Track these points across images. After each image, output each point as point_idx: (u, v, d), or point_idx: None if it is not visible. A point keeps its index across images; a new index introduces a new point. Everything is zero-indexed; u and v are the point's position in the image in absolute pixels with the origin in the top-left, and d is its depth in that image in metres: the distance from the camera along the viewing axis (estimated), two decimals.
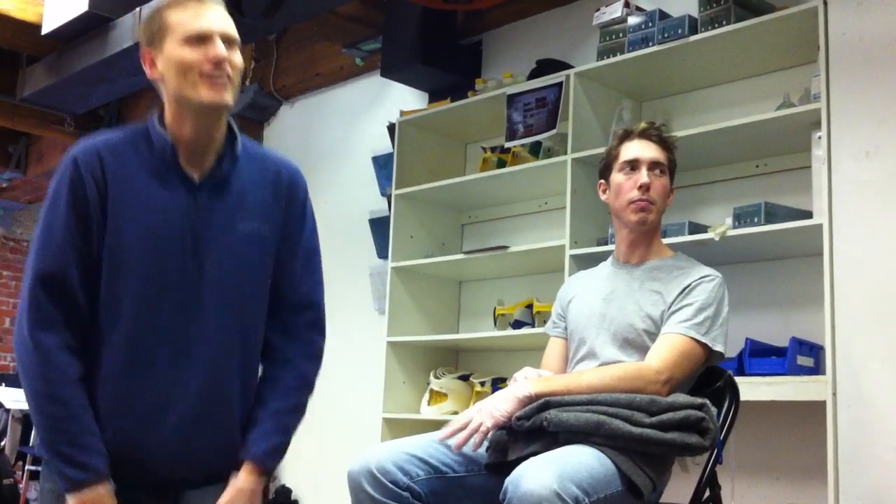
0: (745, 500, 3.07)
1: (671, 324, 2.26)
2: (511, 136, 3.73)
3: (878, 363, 2.76)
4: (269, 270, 1.98)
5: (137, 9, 4.22)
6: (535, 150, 3.84)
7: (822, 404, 2.72)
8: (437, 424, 3.19)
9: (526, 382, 2.16)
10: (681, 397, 2.11)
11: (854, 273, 2.81)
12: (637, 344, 2.29)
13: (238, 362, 1.94)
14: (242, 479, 1.89)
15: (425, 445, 2.18)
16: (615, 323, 2.35)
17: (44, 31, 4.58)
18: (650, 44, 3.31)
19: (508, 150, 3.87)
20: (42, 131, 6.44)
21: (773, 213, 2.95)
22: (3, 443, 5.63)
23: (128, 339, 1.85)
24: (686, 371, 2.23)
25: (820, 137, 2.89)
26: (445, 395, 3.90)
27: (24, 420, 5.65)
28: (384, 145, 4.56)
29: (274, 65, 5.34)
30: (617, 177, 2.41)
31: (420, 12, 4.20)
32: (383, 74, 4.41)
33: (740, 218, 2.99)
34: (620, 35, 3.43)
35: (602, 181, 2.49)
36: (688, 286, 2.30)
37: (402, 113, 4.26)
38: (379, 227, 4.53)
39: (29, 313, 1.80)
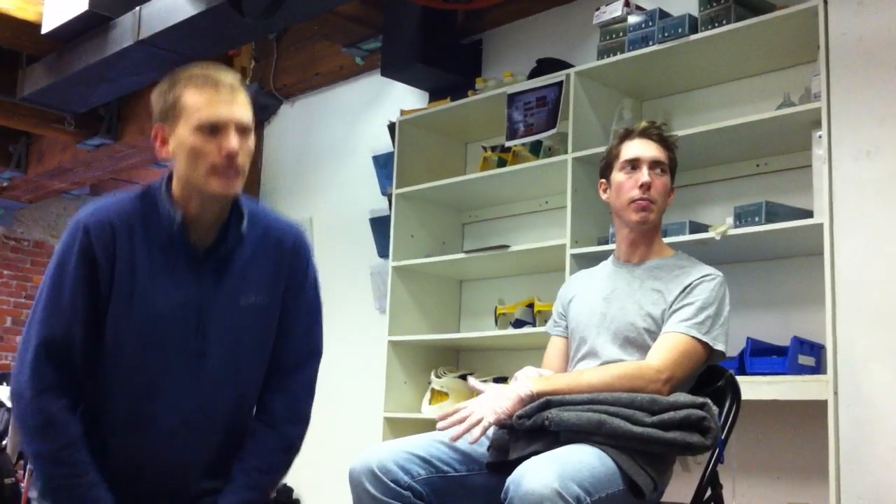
0: (747, 499, 3.07)
1: (672, 323, 2.26)
2: (511, 135, 3.73)
3: (879, 362, 2.76)
4: (270, 338, 2.03)
5: (137, 8, 4.23)
6: (536, 150, 3.84)
7: (824, 404, 2.72)
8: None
9: (527, 381, 2.16)
10: (682, 396, 2.11)
11: (855, 272, 2.81)
12: (638, 343, 2.30)
13: (234, 431, 2.01)
14: None
15: (426, 444, 2.18)
16: (616, 322, 2.35)
17: (44, 30, 4.58)
18: (650, 43, 3.31)
19: (509, 149, 3.87)
20: (42, 130, 6.44)
21: (774, 213, 2.95)
22: (4, 442, 5.62)
23: (129, 408, 1.91)
24: (687, 370, 2.23)
25: (820, 137, 2.89)
26: (446, 394, 3.90)
27: None
28: (385, 144, 4.56)
29: (274, 64, 5.34)
30: (618, 176, 2.41)
31: (420, 12, 4.20)
32: (384, 74, 4.41)
33: (741, 217, 2.99)
34: (620, 34, 3.43)
35: (603, 180, 2.49)
36: (689, 285, 2.30)
37: (403, 112, 4.26)
38: (380, 226, 4.53)
39: (32, 379, 1.83)
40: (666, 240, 2.70)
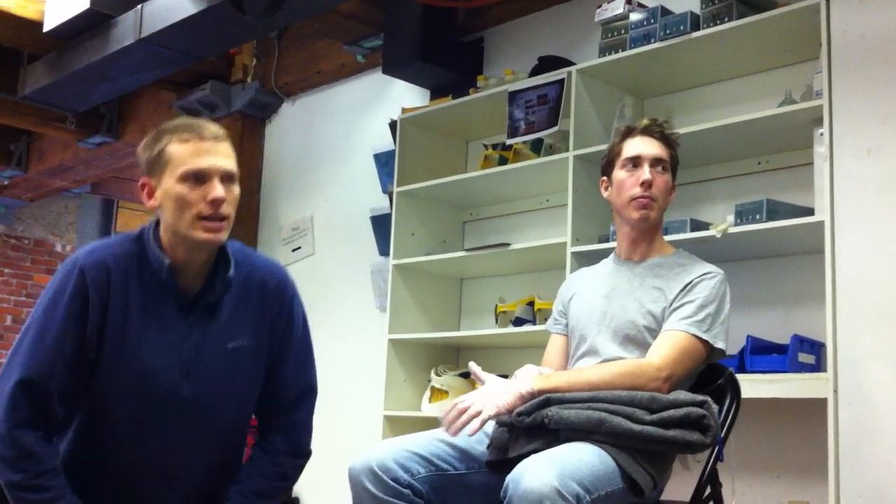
0: (746, 497, 3.07)
1: (672, 321, 2.25)
2: (513, 133, 3.72)
3: (880, 361, 2.75)
4: (259, 380, 2.09)
5: (139, 6, 4.23)
6: (537, 148, 3.83)
7: (824, 402, 2.71)
8: (438, 422, 3.18)
9: (527, 379, 2.16)
10: (682, 394, 2.11)
11: (856, 270, 2.81)
12: (638, 341, 2.29)
13: (223, 473, 2.05)
14: None
15: (426, 443, 2.18)
16: (616, 320, 2.34)
17: (45, 28, 4.59)
18: (652, 40, 3.30)
19: (510, 147, 3.87)
20: (43, 129, 6.44)
21: (775, 211, 2.95)
22: None
23: (117, 448, 1.95)
24: (687, 368, 2.22)
25: (822, 134, 2.88)
26: (446, 392, 3.89)
27: None
28: (386, 143, 4.56)
29: (275, 62, 5.34)
30: (619, 174, 2.41)
31: (421, 9, 4.20)
32: (385, 72, 4.41)
33: (742, 215, 2.99)
34: (622, 32, 3.43)
35: (604, 178, 2.48)
36: (689, 283, 2.30)
37: (404, 110, 4.25)
38: (380, 224, 4.53)
39: (7, 414, 1.85)
40: (667, 238, 2.69)
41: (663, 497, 2.25)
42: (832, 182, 2.85)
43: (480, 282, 4.26)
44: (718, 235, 2.98)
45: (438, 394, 3.90)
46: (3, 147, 7.09)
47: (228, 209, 1.92)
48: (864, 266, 2.80)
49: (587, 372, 2.21)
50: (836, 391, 2.71)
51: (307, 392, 2.17)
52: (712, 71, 3.42)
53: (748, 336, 2.94)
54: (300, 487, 4.82)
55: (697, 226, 3.10)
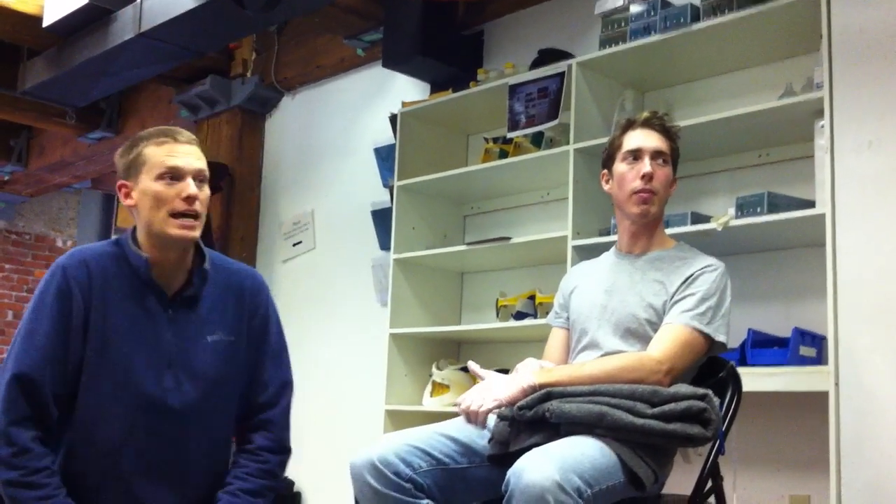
0: (747, 491, 3.07)
1: (673, 314, 2.25)
2: (513, 126, 3.72)
3: (881, 354, 2.75)
4: (238, 375, 2.16)
5: (138, 1, 4.22)
6: (538, 141, 3.83)
7: (825, 395, 2.71)
8: (439, 416, 3.18)
9: (528, 373, 2.16)
10: (683, 388, 2.10)
11: (857, 263, 2.80)
12: (639, 334, 2.29)
13: (210, 469, 2.11)
14: None
15: (428, 437, 2.18)
16: (617, 313, 2.34)
17: (45, 23, 4.58)
18: (652, 33, 3.30)
19: (510, 140, 3.86)
20: (44, 124, 6.44)
21: (776, 203, 2.94)
22: None
23: (105, 443, 2.01)
24: (688, 361, 2.22)
25: (823, 127, 2.87)
26: (448, 386, 3.89)
27: None
28: (386, 137, 4.55)
29: (275, 57, 5.33)
30: (620, 167, 2.41)
31: (421, 3, 4.19)
32: (385, 65, 4.40)
33: (743, 208, 2.98)
34: (622, 24, 3.42)
35: (605, 171, 2.48)
36: (690, 276, 2.30)
37: (404, 104, 4.25)
38: (381, 218, 4.53)
39: (4, 411, 1.93)
40: (668, 231, 2.69)
41: (664, 490, 2.25)
42: (833, 175, 2.84)
43: (481, 276, 4.26)
44: (719, 228, 2.97)
45: (440, 388, 3.90)
46: (3, 143, 7.09)
47: (200, 207, 2.05)
48: (866, 259, 2.80)
49: (588, 366, 2.21)
50: (837, 384, 2.71)
51: (284, 387, 2.24)
52: (713, 63, 3.41)
53: (749, 329, 2.93)
54: (302, 483, 4.83)
55: (698, 219, 3.10)
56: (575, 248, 3.36)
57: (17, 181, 7.72)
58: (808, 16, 2.97)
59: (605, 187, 2.49)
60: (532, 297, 3.79)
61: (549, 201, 3.97)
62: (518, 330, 3.72)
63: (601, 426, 2.04)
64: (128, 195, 2.07)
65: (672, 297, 2.29)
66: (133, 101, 6.22)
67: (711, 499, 2.24)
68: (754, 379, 2.74)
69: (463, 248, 3.94)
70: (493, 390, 2.11)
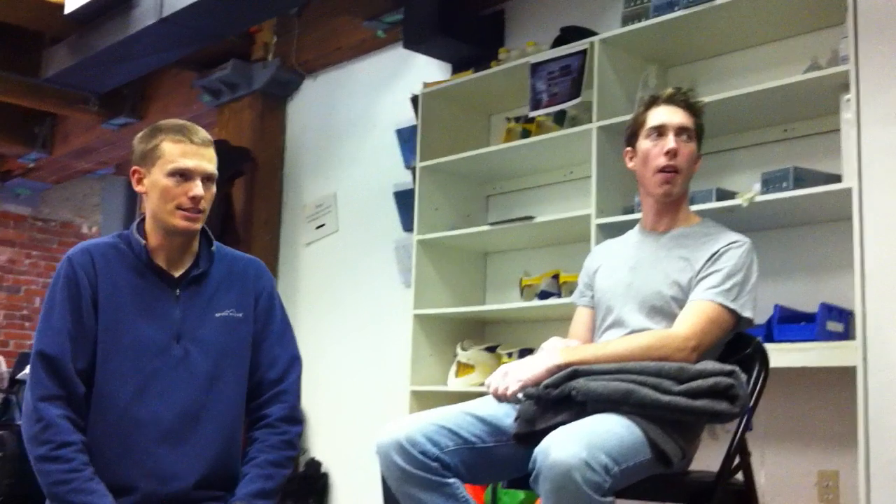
0: (775, 467, 3.06)
1: (699, 290, 2.24)
2: (535, 105, 3.70)
3: None
4: (245, 352, 2.26)
5: None
6: (560, 120, 3.81)
7: (852, 370, 2.69)
8: (464, 396, 3.19)
9: (554, 352, 2.16)
10: (710, 364, 2.09)
11: (884, 237, 2.77)
12: (665, 311, 2.28)
13: (223, 443, 2.18)
14: None
15: (455, 416, 2.18)
16: (642, 291, 2.33)
17: (66, 10, 4.60)
18: (675, 8, 3.26)
19: (533, 119, 3.84)
20: (67, 111, 6.48)
21: (802, 178, 2.92)
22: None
23: (119, 417, 2.09)
24: (714, 338, 2.21)
25: (849, 100, 2.84)
26: (472, 366, 3.90)
27: None
28: (408, 118, 4.54)
29: (296, 40, 5.33)
30: (644, 143, 2.39)
31: None
32: (406, 46, 4.39)
33: (768, 183, 2.96)
34: (645, 0, 3.39)
35: (629, 148, 2.47)
36: (716, 252, 2.28)
37: (426, 85, 4.24)
38: (404, 200, 4.53)
39: (32, 388, 2.07)
40: (693, 207, 2.67)
41: (692, 467, 2.25)
42: (860, 148, 2.81)
43: (505, 256, 4.25)
44: (745, 204, 2.95)
45: (464, 368, 3.91)
46: (27, 130, 7.14)
47: (205, 205, 2.18)
48: (893, 232, 2.77)
49: (613, 344, 2.21)
50: (865, 359, 2.69)
51: (294, 362, 2.33)
52: (737, 38, 3.38)
53: (776, 305, 2.92)
54: (329, 463, 4.86)
55: (723, 195, 3.08)
56: (598, 226, 3.35)
57: (42, 168, 7.77)
58: None
59: (629, 165, 2.48)
60: (556, 277, 3.78)
61: (572, 180, 3.96)
62: (542, 309, 3.72)
63: (627, 403, 2.03)
64: (140, 181, 2.20)
65: (698, 273, 2.28)
66: (155, 86, 6.24)
67: (739, 475, 2.24)
68: (781, 354, 2.72)
69: (486, 228, 3.93)
70: (518, 371, 2.12)
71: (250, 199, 5.30)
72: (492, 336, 4.19)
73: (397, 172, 4.66)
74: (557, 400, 2.08)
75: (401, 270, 4.60)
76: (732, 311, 2.22)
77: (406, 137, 4.58)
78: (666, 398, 2.03)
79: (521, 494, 3.48)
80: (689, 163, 2.38)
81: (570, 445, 1.86)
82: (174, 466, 2.10)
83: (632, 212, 3.28)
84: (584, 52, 3.53)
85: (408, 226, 4.43)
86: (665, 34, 3.38)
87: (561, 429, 1.94)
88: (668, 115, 2.37)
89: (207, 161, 2.18)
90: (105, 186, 8.96)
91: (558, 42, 3.76)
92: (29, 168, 7.77)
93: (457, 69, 4.34)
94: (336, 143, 5.18)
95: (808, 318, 2.88)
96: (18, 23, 5.15)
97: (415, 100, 4.35)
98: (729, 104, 3.10)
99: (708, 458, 2.27)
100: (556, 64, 3.63)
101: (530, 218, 3.74)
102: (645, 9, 3.38)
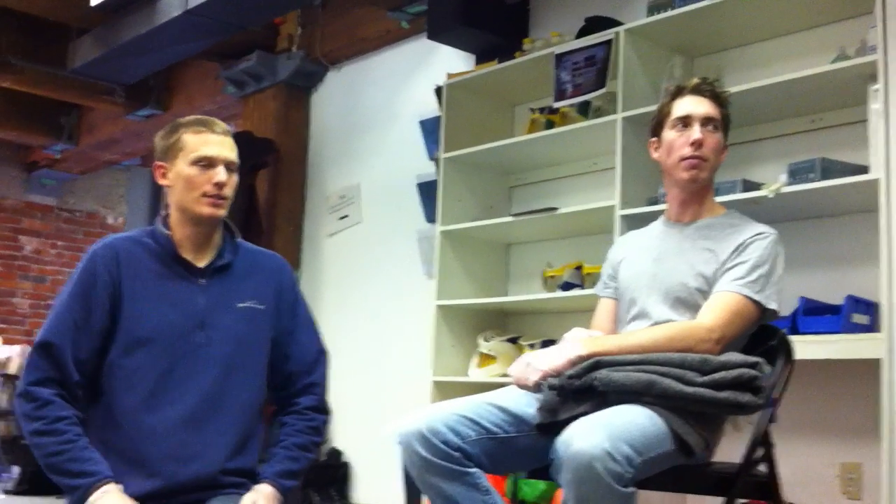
0: (798, 459, 3.04)
1: (724, 282, 2.22)
2: (559, 96, 3.69)
3: None
4: (264, 343, 2.28)
5: None
6: (584, 110, 3.80)
7: (877, 362, 2.67)
8: (486, 387, 3.19)
9: (576, 342, 2.15)
10: (734, 356, 2.08)
11: None
12: (689, 303, 2.27)
13: (243, 430, 2.20)
14: (262, 486, 2.15)
15: (477, 407, 2.18)
16: (666, 282, 2.32)
17: (92, 2, 4.63)
18: None
19: (557, 110, 3.84)
20: (93, 102, 6.53)
21: (829, 169, 2.89)
22: None
23: (140, 405, 2.12)
24: (739, 329, 2.20)
25: (877, 90, 2.82)
26: (494, 357, 3.90)
27: None
28: (431, 109, 4.55)
29: (320, 31, 5.34)
30: (669, 134, 2.37)
31: None
32: (429, 37, 4.39)
33: (795, 174, 2.94)
34: None
35: (654, 139, 2.45)
36: (741, 244, 2.26)
37: (449, 76, 4.23)
38: (427, 191, 4.53)
39: (26, 373, 2.09)
40: (718, 198, 2.65)
41: (715, 458, 2.23)
42: (888, 139, 2.78)
43: (527, 247, 4.25)
44: (771, 196, 2.93)
45: (486, 359, 3.91)
46: (53, 121, 7.20)
47: (228, 191, 2.22)
48: None
49: (637, 335, 2.20)
50: (890, 351, 2.67)
51: (321, 355, 2.36)
52: (763, 27, 3.36)
53: (801, 297, 2.90)
54: (351, 453, 4.88)
55: (749, 186, 3.06)
56: (623, 217, 3.34)
57: (68, 159, 7.84)
58: None
59: (654, 155, 2.46)
60: (579, 268, 3.78)
61: (596, 171, 3.95)
62: (565, 300, 3.72)
63: (650, 394, 2.02)
64: (164, 175, 2.24)
65: (723, 265, 2.26)
66: (180, 77, 6.27)
67: (762, 466, 2.22)
68: (806, 346, 2.70)
69: (509, 219, 3.93)
70: (540, 361, 2.11)
71: (274, 190, 5.32)
72: (514, 327, 4.18)
73: (420, 163, 4.67)
74: (580, 390, 2.07)
75: (423, 261, 4.61)
76: (757, 303, 2.20)
77: (429, 128, 4.58)
78: (689, 389, 2.01)
79: (542, 485, 3.48)
80: (714, 153, 2.36)
81: (592, 436, 1.85)
82: (195, 449, 2.12)
83: (656, 203, 3.27)
84: (609, 42, 3.52)
85: (431, 217, 4.44)
86: (691, 24, 3.37)
87: (583, 419, 1.94)
88: (693, 105, 2.35)
89: (228, 149, 2.23)
90: (130, 177, 9.03)
91: (583, 32, 3.74)
92: (55, 159, 7.83)
93: (481, 60, 4.34)
94: (359, 135, 5.18)
95: (834, 310, 2.86)
96: (45, 15, 5.20)
97: (438, 91, 4.35)
98: (755, 94, 3.08)
99: (731, 449, 2.26)
100: (581, 54, 3.62)
101: (554, 209, 3.73)
102: None
